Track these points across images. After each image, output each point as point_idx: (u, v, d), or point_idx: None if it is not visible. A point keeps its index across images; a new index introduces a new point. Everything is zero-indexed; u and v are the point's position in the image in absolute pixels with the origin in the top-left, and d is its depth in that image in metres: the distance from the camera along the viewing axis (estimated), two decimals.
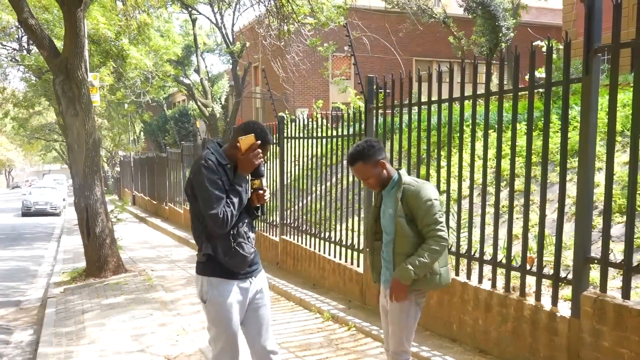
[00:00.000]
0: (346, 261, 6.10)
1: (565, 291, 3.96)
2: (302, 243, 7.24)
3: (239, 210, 2.74)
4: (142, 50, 14.35)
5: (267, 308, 2.99)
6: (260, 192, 2.89)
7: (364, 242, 5.68)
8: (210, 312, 2.79)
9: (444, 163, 4.73)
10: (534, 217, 4.77)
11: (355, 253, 5.97)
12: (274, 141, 8.29)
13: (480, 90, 4.32)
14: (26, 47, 16.31)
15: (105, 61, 13.34)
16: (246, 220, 2.84)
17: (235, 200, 2.71)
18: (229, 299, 2.76)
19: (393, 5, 17.31)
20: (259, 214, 2.97)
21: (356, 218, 6.02)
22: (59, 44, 9.18)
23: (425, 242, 2.91)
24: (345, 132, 6.33)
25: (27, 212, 24.32)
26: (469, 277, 4.37)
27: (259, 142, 2.75)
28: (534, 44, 3.98)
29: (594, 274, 3.82)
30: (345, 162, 6.84)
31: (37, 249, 13.35)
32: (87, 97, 7.89)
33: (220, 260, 2.73)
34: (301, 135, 7.39)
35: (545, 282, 3.98)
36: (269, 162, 8.35)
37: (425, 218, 2.90)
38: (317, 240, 6.79)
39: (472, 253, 4.36)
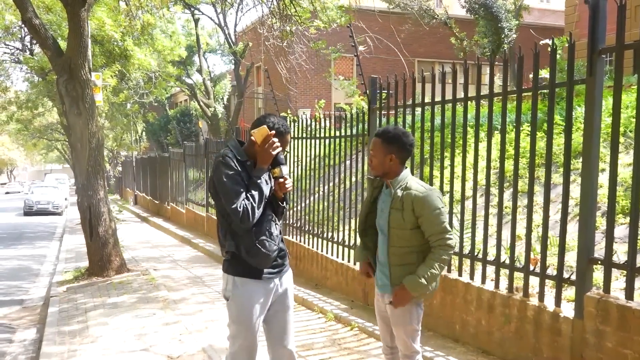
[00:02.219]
0: (349, 261, 6.11)
1: (569, 292, 3.96)
2: (304, 243, 7.25)
3: (261, 202, 2.70)
4: (146, 51, 14.36)
5: (291, 309, 2.99)
6: (281, 180, 2.85)
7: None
8: (231, 310, 2.81)
9: (447, 163, 4.73)
10: (537, 218, 4.77)
11: None
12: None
13: (484, 91, 4.32)
14: (29, 47, 16.34)
15: (108, 62, 13.35)
16: (270, 217, 2.81)
17: (255, 193, 2.68)
18: (252, 300, 2.77)
19: (394, 5, 17.30)
20: (284, 205, 2.94)
21: (359, 218, 6.02)
22: (62, 45, 9.20)
23: (434, 252, 2.86)
24: (348, 133, 6.34)
25: (29, 212, 24.37)
26: (472, 277, 4.38)
27: (273, 132, 2.74)
28: (540, 42, 3.98)
29: (597, 274, 3.82)
30: (348, 162, 6.88)
31: (40, 248, 13.36)
32: (91, 97, 7.90)
33: (244, 258, 2.74)
34: (304, 135, 7.39)
35: (549, 283, 3.98)
36: None
37: (433, 227, 2.84)
38: (320, 240, 6.80)
39: (476, 254, 4.36)
